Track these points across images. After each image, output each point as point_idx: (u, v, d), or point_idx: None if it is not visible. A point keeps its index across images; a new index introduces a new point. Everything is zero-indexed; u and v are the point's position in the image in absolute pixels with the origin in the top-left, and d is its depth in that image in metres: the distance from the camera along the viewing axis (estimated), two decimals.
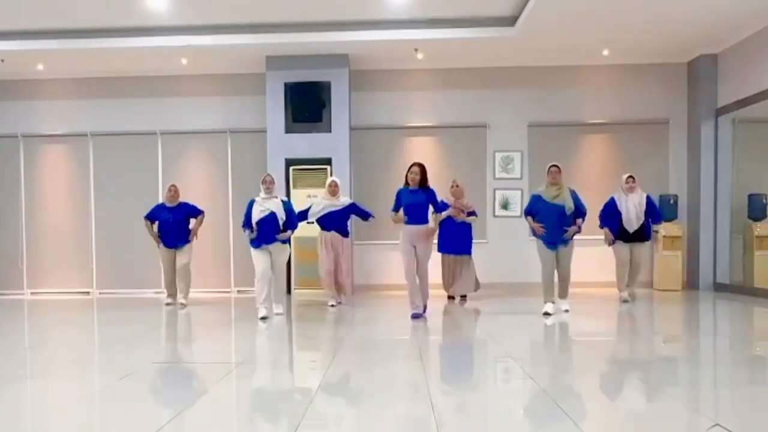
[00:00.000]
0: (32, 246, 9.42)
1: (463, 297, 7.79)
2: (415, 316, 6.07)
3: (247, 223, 6.35)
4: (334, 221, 7.10)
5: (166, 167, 9.25)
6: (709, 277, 8.61)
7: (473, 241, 7.59)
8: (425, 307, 6.26)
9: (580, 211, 6.26)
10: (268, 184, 6.36)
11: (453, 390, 3.53)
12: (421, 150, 9.04)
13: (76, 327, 6.55)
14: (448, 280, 7.61)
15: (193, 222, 7.63)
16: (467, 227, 7.57)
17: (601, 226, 7.27)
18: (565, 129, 8.99)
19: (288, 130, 8.62)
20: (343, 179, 8.54)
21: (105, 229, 9.23)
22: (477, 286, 7.67)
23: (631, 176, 7.33)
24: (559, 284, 6.41)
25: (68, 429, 2.96)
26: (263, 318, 6.16)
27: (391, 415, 3.01)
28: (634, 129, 8.96)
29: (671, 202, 8.60)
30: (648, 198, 7.30)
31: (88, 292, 9.32)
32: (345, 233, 7.22)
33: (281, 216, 6.28)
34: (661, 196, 8.69)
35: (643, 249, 7.38)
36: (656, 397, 3.24)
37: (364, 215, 7.32)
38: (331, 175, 8.56)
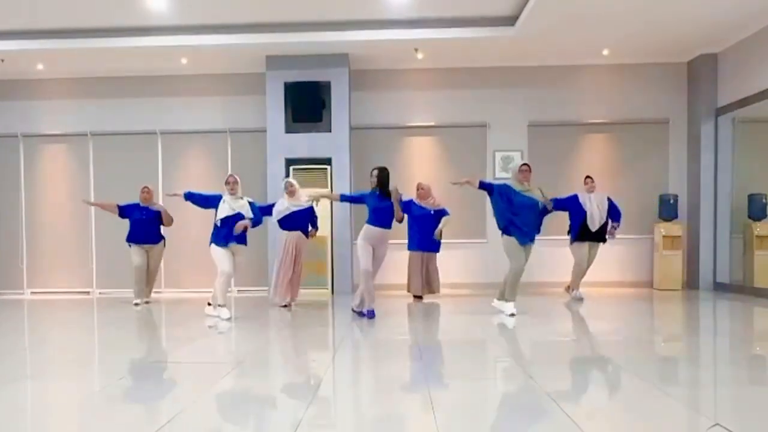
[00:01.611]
0: (32, 246, 9.43)
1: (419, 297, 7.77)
2: (371, 315, 6.12)
3: (194, 195, 6.54)
4: (297, 221, 7.06)
5: (166, 167, 9.25)
6: (709, 276, 8.61)
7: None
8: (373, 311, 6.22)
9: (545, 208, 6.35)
10: (232, 185, 6.37)
11: (453, 390, 3.53)
12: (422, 150, 9.05)
13: (76, 327, 6.54)
14: (419, 280, 7.56)
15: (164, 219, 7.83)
16: (437, 223, 7.53)
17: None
18: (565, 129, 9.00)
19: (288, 130, 8.63)
20: (343, 179, 8.57)
21: (105, 229, 9.22)
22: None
23: (589, 176, 7.56)
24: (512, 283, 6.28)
25: (68, 429, 2.96)
26: (228, 318, 6.21)
27: (391, 415, 3.01)
28: (634, 129, 8.96)
29: (671, 201, 8.61)
30: (609, 199, 7.52)
31: (88, 292, 9.32)
32: (307, 233, 7.20)
33: (249, 216, 6.35)
34: (661, 195, 8.71)
35: (597, 249, 7.54)
36: (656, 396, 3.24)
37: (314, 223, 7.30)
38: (330, 175, 8.57)
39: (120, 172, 9.19)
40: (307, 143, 8.59)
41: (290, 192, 7.08)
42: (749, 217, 8.18)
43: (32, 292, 9.41)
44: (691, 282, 8.77)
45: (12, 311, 7.71)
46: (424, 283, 7.63)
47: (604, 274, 7.92)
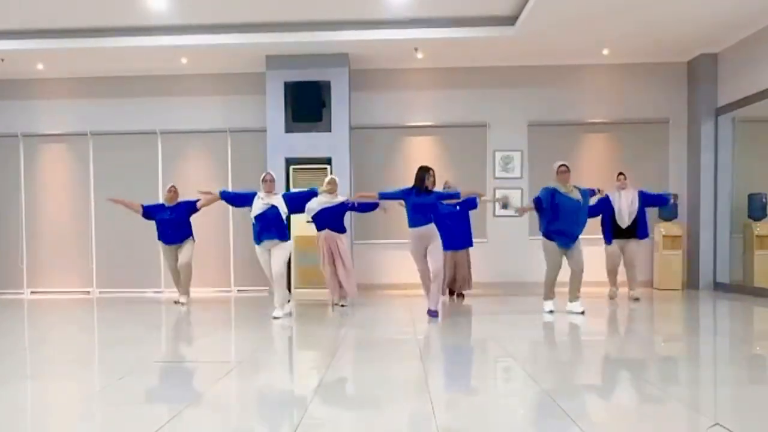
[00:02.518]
0: (32, 246, 9.43)
1: (461, 294, 7.80)
2: (432, 315, 6.14)
3: (229, 194, 6.60)
4: (327, 219, 6.95)
5: (166, 167, 9.25)
6: (709, 276, 8.61)
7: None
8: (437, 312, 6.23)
9: (592, 192, 6.43)
10: (269, 183, 6.30)
11: (453, 390, 3.54)
12: (421, 149, 9.04)
13: (76, 326, 6.55)
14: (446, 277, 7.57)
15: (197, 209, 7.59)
16: (465, 220, 7.51)
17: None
18: (565, 128, 9.00)
19: (288, 130, 8.62)
20: (343, 179, 8.55)
21: (105, 229, 9.23)
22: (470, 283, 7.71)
23: (621, 173, 7.44)
24: (573, 284, 6.28)
25: (68, 429, 2.96)
26: (276, 318, 6.21)
27: (391, 416, 3.01)
28: (634, 128, 8.96)
29: (671, 201, 8.60)
30: (641, 192, 7.38)
31: (88, 292, 9.32)
32: (340, 230, 7.04)
33: (283, 210, 6.25)
34: None
35: (636, 246, 7.39)
36: (656, 396, 3.24)
37: (364, 208, 7.12)
38: (330, 174, 8.56)
39: (120, 172, 9.19)
40: (307, 143, 8.59)
41: (331, 189, 6.91)
42: (749, 216, 8.19)
43: (32, 292, 9.41)
44: (691, 282, 8.77)
45: (12, 311, 7.72)
46: (455, 281, 7.61)
47: (604, 274, 7.90)
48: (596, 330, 5.78)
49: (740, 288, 8.13)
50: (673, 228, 8.58)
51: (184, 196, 7.72)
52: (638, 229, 7.36)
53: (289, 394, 3.57)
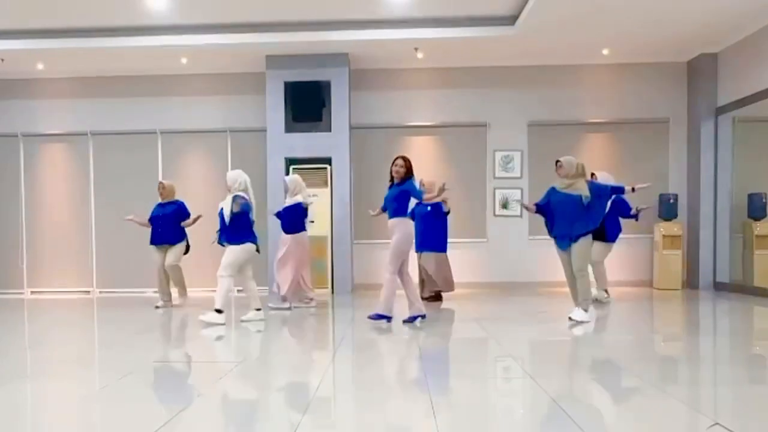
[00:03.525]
0: (32, 245, 9.42)
1: (439, 296, 7.63)
2: (377, 317, 5.64)
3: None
4: (283, 218, 7.00)
5: (166, 167, 9.25)
6: (709, 276, 8.61)
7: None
8: (421, 315, 5.90)
9: (615, 189, 6.01)
10: (226, 185, 6.27)
11: (453, 390, 3.54)
12: (421, 149, 9.03)
13: (76, 326, 6.55)
14: (424, 281, 7.48)
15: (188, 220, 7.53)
16: (443, 224, 7.42)
17: None
18: (565, 128, 8.99)
19: (288, 130, 8.62)
20: (343, 179, 8.58)
21: (105, 228, 9.23)
22: (451, 285, 7.55)
23: (592, 173, 7.15)
24: (574, 289, 5.96)
25: (68, 428, 2.96)
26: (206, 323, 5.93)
27: (391, 415, 3.01)
28: (634, 128, 8.96)
29: (671, 201, 8.60)
30: (618, 199, 7.05)
31: (88, 292, 9.32)
32: (289, 230, 6.93)
33: (227, 213, 6.02)
34: (660, 195, 8.70)
35: (600, 248, 7.04)
36: (656, 396, 3.24)
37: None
38: (330, 174, 8.58)
39: (120, 172, 9.19)
40: (306, 143, 8.59)
41: (285, 189, 7.03)
42: (749, 216, 8.19)
43: (32, 292, 9.41)
44: (691, 281, 8.76)
45: (12, 311, 7.72)
46: (428, 284, 7.53)
47: (609, 274, 7.88)
48: (595, 330, 5.78)
49: (740, 288, 8.12)
50: (672, 228, 8.58)
51: (185, 197, 7.70)
52: (606, 231, 6.97)
53: (288, 394, 3.57)
